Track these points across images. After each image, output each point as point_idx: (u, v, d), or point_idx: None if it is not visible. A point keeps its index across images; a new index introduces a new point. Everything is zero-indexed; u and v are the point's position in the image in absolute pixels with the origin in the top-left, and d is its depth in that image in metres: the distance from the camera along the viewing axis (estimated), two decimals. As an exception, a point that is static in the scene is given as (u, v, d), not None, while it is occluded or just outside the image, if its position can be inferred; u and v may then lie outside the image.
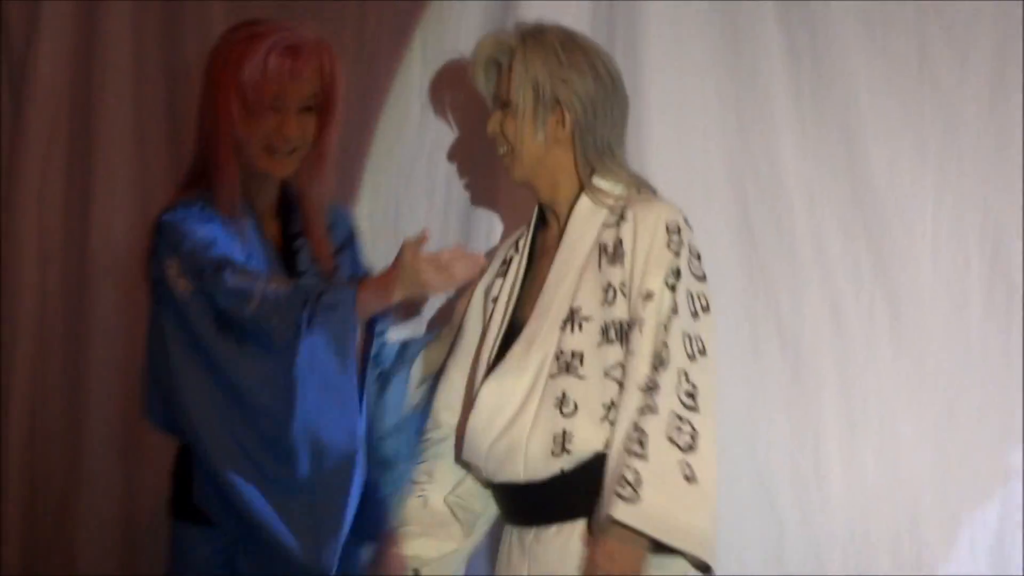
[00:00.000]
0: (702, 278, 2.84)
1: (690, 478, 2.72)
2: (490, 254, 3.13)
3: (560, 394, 2.81)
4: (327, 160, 3.01)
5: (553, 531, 2.84)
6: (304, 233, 3.07)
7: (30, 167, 3.81)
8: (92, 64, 3.81)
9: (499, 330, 2.94)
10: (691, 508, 2.72)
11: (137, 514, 3.77)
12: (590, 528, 2.79)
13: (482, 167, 3.40)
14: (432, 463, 3.01)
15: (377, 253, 3.46)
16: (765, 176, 3.24)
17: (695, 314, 2.81)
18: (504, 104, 2.90)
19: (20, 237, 3.81)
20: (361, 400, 2.89)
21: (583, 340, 2.82)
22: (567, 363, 2.82)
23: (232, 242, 2.92)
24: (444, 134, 3.45)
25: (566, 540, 2.82)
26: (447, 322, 3.18)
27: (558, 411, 2.81)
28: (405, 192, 3.47)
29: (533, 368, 2.84)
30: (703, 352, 2.79)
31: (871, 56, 3.19)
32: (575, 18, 3.19)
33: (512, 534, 2.92)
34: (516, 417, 2.84)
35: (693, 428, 2.74)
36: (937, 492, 3.11)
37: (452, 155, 3.44)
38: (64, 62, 3.83)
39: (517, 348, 2.87)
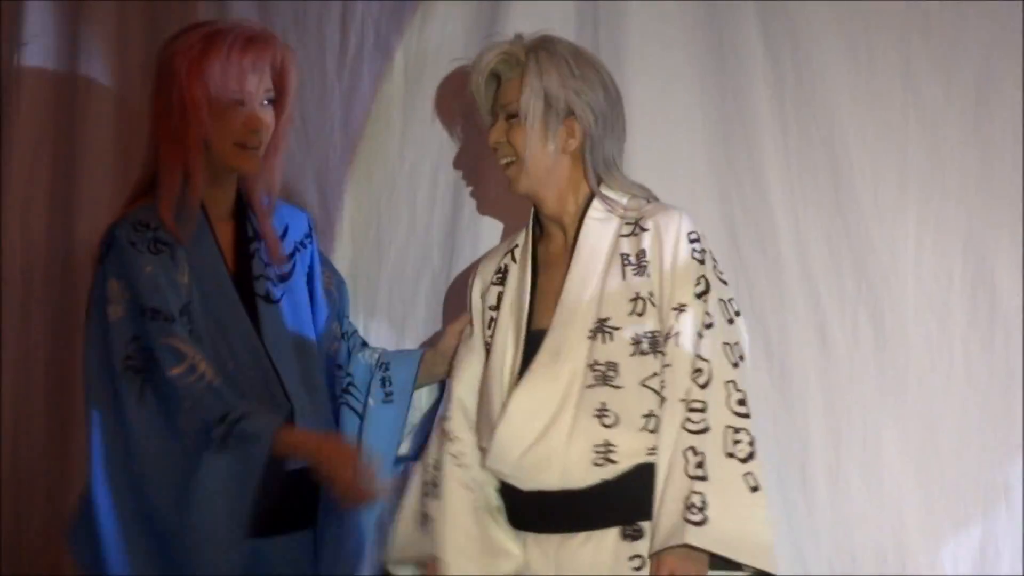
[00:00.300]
0: (727, 282, 2.87)
1: (755, 488, 2.76)
2: (473, 268, 3.13)
3: (599, 405, 2.81)
4: (279, 154, 3.03)
5: (581, 538, 2.84)
6: (259, 236, 3.07)
7: (16, 173, 3.79)
8: (76, 67, 3.78)
9: (516, 340, 2.93)
10: (754, 520, 2.75)
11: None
12: (623, 536, 2.81)
13: (465, 178, 3.40)
14: (478, 472, 2.96)
15: (359, 264, 3.47)
16: (751, 196, 3.24)
17: (730, 320, 2.84)
18: (510, 115, 2.89)
19: (5, 244, 3.80)
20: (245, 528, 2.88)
21: (615, 350, 2.83)
22: (603, 374, 2.82)
23: (176, 282, 2.91)
24: (426, 145, 3.44)
25: (596, 548, 2.83)
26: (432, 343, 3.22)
27: (598, 421, 2.81)
28: (388, 203, 3.45)
29: (564, 377, 2.84)
30: (743, 357, 2.83)
31: (855, 78, 3.19)
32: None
33: (525, 539, 2.91)
34: (550, 426, 2.83)
35: (750, 435, 2.78)
36: (921, 508, 3.12)
37: (434, 166, 3.43)
38: (49, 63, 3.81)
39: (543, 357, 2.86)
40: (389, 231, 3.45)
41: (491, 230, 3.36)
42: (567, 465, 2.81)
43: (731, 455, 2.75)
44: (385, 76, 3.46)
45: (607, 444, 2.80)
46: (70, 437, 3.77)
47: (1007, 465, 3.09)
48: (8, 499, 3.78)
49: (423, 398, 3.15)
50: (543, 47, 2.90)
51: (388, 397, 3.09)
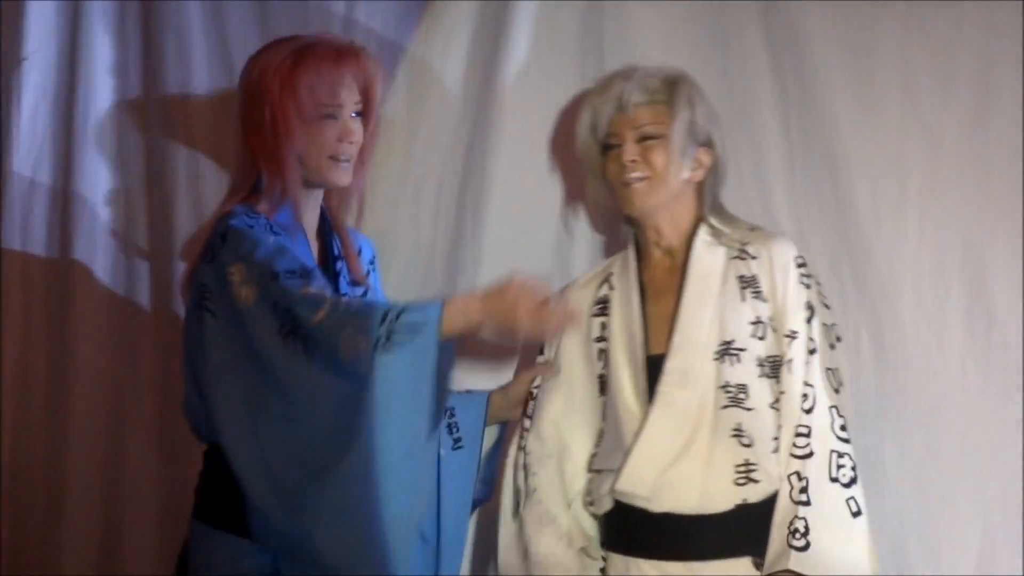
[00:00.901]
0: (829, 307, 2.95)
1: (857, 512, 2.84)
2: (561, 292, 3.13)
3: (735, 425, 2.88)
4: (367, 166, 3.07)
5: (715, 567, 2.87)
6: (342, 255, 3.10)
7: (17, 186, 3.80)
8: (76, 81, 3.77)
9: (635, 366, 2.96)
10: (856, 544, 2.83)
11: (120, 531, 3.79)
12: (755, 566, 2.86)
13: (469, 197, 3.40)
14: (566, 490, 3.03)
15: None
16: (757, 213, 3.24)
17: (832, 346, 2.93)
18: (647, 136, 2.95)
19: (5, 256, 3.80)
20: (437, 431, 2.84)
21: (744, 372, 2.90)
22: (735, 395, 2.89)
23: (301, 250, 2.91)
24: (430, 164, 3.44)
25: None
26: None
27: (736, 441, 2.88)
28: (391, 222, 3.45)
29: (696, 400, 2.89)
30: (842, 383, 2.91)
31: (856, 88, 3.21)
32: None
33: (637, 567, 2.93)
34: (688, 448, 2.88)
35: (852, 460, 2.86)
36: (920, 525, 3.15)
37: (438, 185, 3.44)
38: (49, 77, 3.81)
39: (669, 379, 2.91)
40: (392, 250, 3.44)
41: (495, 248, 3.36)
42: (707, 484, 2.87)
43: (835, 479, 2.83)
44: (387, 95, 3.46)
45: (747, 463, 2.87)
46: (69, 444, 3.79)
47: (1006, 479, 3.12)
48: (8, 502, 3.80)
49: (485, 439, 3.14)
50: (686, 79, 3.00)
51: (457, 443, 3.08)
